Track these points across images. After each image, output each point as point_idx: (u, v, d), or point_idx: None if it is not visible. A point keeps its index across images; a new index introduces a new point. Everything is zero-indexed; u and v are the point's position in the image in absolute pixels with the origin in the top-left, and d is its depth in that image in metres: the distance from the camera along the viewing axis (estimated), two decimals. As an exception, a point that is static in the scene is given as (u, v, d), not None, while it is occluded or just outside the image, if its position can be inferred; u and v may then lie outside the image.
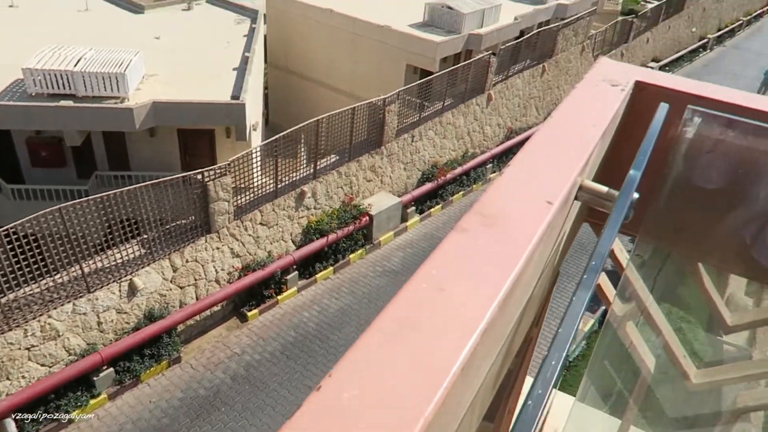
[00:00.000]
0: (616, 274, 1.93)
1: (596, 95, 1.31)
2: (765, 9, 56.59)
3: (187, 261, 14.36)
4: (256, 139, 19.01)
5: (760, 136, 1.30)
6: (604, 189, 1.10)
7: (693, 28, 41.81)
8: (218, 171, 14.21)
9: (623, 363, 1.86)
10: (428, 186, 20.94)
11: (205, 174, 13.94)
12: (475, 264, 0.74)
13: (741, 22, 49.76)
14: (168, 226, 13.93)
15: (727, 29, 46.78)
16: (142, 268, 13.55)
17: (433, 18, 24.20)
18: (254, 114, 18.65)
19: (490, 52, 23.21)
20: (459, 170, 22.04)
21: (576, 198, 1.12)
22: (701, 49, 42.35)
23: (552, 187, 0.96)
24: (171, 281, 14.14)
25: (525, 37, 25.48)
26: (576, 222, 1.39)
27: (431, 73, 21.51)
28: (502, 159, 24.64)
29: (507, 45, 24.29)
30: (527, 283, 0.93)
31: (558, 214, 0.99)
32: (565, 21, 27.67)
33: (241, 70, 18.16)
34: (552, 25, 27.09)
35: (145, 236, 13.52)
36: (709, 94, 1.37)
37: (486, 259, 0.75)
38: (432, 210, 21.07)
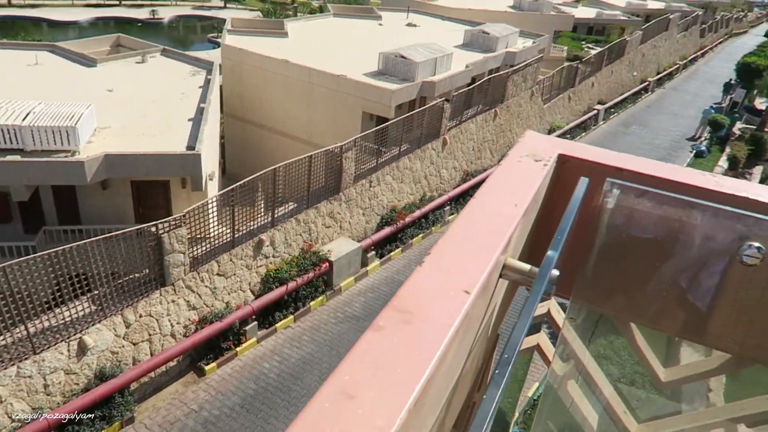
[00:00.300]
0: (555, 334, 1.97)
1: (519, 172, 1.37)
2: (698, 53, 60.15)
3: (140, 316, 13.90)
4: (213, 189, 18.84)
5: (674, 206, 1.37)
6: (527, 267, 1.14)
7: (634, 72, 44.00)
8: (173, 222, 13.96)
9: (566, 421, 1.88)
10: (387, 230, 21.03)
11: (160, 226, 13.67)
12: (389, 365, 0.75)
13: (678, 65, 52.69)
14: (121, 281, 13.51)
15: (665, 72, 49.43)
16: (93, 325, 13.04)
17: (388, 67, 24.82)
18: (210, 164, 18.54)
19: (444, 98, 23.85)
20: (417, 213, 22.25)
21: (501, 276, 1.15)
22: (643, 92, 44.51)
23: (472, 274, 0.98)
24: (123, 338, 13.63)
25: (477, 83, 26.32)
26: (510, 288, 1.42)
27: (387, 120, 21.91)
28: (459, 201, 25.03)
29: (460, 91, 25.02)
30: (451, 367, 0.94)
31: (480, 298, 1.01)
32: (514, 68, 28.75)
33: (197, 120, 18.12)
34: (502, 72, 28.10)
35: (96, 292, 13.07)
36: (628, 166, 1.45)
37: (400, 359, 0.76)
38: (392, 254, 21.12)
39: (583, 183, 1.35)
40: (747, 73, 40.25)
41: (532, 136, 1.58)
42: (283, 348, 16.67)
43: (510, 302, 1.55)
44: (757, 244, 1.31)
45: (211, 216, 15.11)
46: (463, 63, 27.07)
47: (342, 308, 18.42)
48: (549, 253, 1.08)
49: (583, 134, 34.71)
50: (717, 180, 1.42)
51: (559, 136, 32.38)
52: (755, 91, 38.62)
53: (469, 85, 26.33)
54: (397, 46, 25.79)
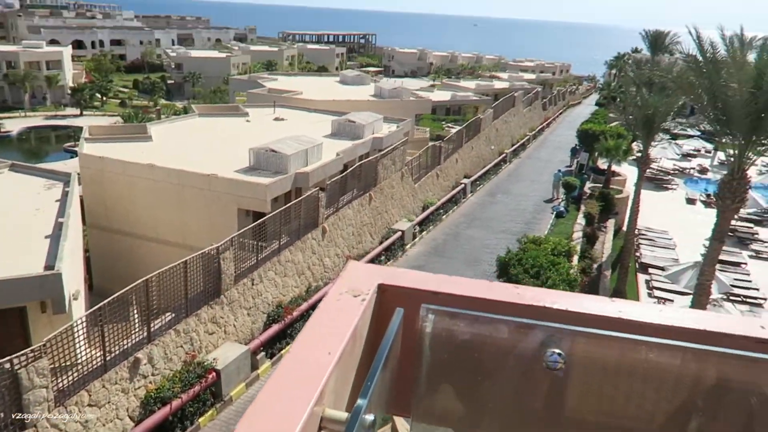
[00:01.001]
0: None
1: (337, 312, 1.41)
2: (544, 124, 66.88)
3: (-3, 469, 12.09)
4: (79, 309, 17.36)
5: (483, 323, 1.48)
6: (344, 416, 1.15)
7: (492, 146, 47.80)
8: (31, 354, 12.56)
9: None
10: (276, 327, 20.39)
11: (15, 361, 12.24)
12: None
13: (528, 136, 58.06)
14: (-31, 431, 11.77)
15: (519, 144, 54.18)
16: (-64, 490, 11.12)
17: (259, 161, 25.01)
18: (74, 282, 17.20)
19: (319, 187, 24.29)
20: (305, 305, 21.86)
21: (321, 429, 1.16)
22: (502, 163, 48.26)
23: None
24: (-24, 499, 11.72)
25: (349, 170, 27.17)
26: None
27: (264, 214, 21.78)
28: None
29: (333, 179, 25.65)
30: None
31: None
32: (383, 152, 30.14)
33: (56, 236, 16.94)
34: (372, 157, 29.31)
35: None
36: (442, 289, 1.55)
37: None
38: (283, 351, 20.39)
39: (398, 314, 1.42)
40: (586, 138, 45.17)
41: (353, 268, 1.65)
42: (172, 474, 15.18)
43: None
44: (558, 351, 1.43)
45: (77, 340, 13.82)
46: (333, 152, 27.94)
47: (234, 420, 17.26)
48: (359, 402, 1.11)
49: (455, 207, 36.66)
50: (519, 292, 1.56)
51: (432, 213, 33.95)
52: (596, 153, 43.27)
53: (341, 172, 27.10)
54: (267, 140, 26.18)
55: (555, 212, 36.62)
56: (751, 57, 17.30)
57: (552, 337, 1.44)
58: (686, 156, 51.08)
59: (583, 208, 36.18)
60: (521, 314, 1.47)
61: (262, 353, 19.62)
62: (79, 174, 23.94)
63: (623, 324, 1.47)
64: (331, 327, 1.33)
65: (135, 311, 16.05)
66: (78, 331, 13.81)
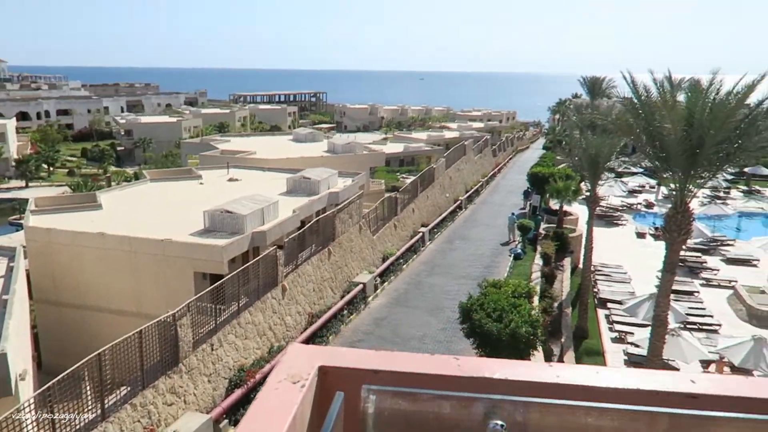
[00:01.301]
0: None
1: (275, 401, 1.39)
2: (495, 170, 68.61)
3: None
4: (27, 390, 16.42)
5: (425, 399, 1.48)
6: None
7: (446, 194, 48.59)
8: (-26, 445, 11.75)
9: None
10: (238, 393, 19.70)
11: (-44, 454, 11.41)
12: None
13: (481, 182, 59.34)
14: None
15: (473, 190, 55.25)
16: None
17: (215, 223, 24.71)
18: (21, 361, 16.34)
19: (277, 245, 24.06)
20: (268, 367, 21.24)
21: None
22: (458, 209, 48.97)
23: None
24: None
25: (306, 226, 27.07)
26: None
27: (222, 276, 21.37)
28: (310, 344, 24.49)
29: (291, 236, 25.47)
30: None
31: None
32: (339, 206, 30.23)
33: (0, 315, 16.15)
34: (328, 212, 29.35)
35: None
36: (383, 367, 1.55)
37: None
38: (247, 418, 19.66)
39: (338, 398, 1.41)
40: (537, 181, 46.46)
41: (293, 351, 1.64)
42: None
43: None
44: (500, 422, 1.44)
45: (26, 424, 12.99)
46: (289, 209, 27.89)
47: (199, 495, 16.40)
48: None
49: (415, 256, 36.80)
50: (459, 363, 1.57)
51: (393, 263, 33.92)
52: (548, 195, 44.47)
53: (299, 228, 26.98)
54: (222, 201, 25.98)
55: (512, 254, 37.14)
56: (681, 97, 18.39)
57: (494, 408, 1.45)
58: (632, 192, 53.14)
59: (539, 248, 36.79)
60: (462, 387, 1.48)
61: (225, 421, 18.85)
62: (25, 247, 23.12)
63: (561, 389, 1.49)
64: (268, 419, 1.31)
65: (88, 387, 15.28)
66: (26, 414, 13.02)
